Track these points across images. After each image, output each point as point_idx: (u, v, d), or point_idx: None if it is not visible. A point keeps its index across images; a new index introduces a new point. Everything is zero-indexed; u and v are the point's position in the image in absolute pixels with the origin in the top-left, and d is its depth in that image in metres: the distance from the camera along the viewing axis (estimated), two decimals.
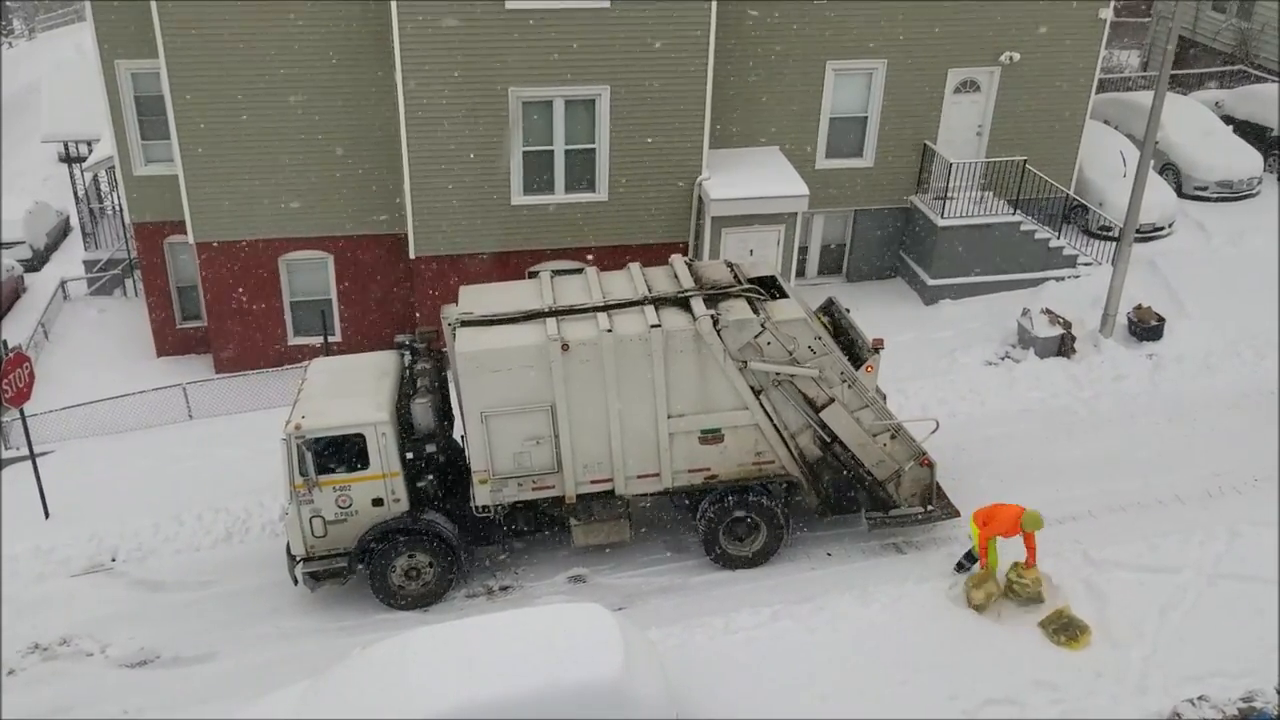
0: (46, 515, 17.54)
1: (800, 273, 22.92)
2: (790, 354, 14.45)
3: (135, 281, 25.37)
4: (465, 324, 14.51)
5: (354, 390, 14.89)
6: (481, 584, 15.60)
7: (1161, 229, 23.59)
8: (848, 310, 16.53)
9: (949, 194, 21.76)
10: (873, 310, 20.47)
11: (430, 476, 14.93)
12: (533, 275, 19.64)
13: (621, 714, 10.65)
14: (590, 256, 20.57)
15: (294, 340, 22.05)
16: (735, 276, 15.29)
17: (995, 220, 21.93)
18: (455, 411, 15.52)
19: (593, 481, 14.87)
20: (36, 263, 28.85)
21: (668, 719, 11.12)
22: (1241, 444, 17.23)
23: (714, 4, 19.20)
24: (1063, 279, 21.88)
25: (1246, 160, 25.44)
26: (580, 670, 10.74)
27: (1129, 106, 26.63)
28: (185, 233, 20.90)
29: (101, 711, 13.72)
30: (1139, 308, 20.06)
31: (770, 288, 15.46)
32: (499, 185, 20.14)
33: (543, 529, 15.62)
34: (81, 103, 24.99)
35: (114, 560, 16.64)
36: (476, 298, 15.31)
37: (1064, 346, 19.69)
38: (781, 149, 21.77)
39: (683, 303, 14.67)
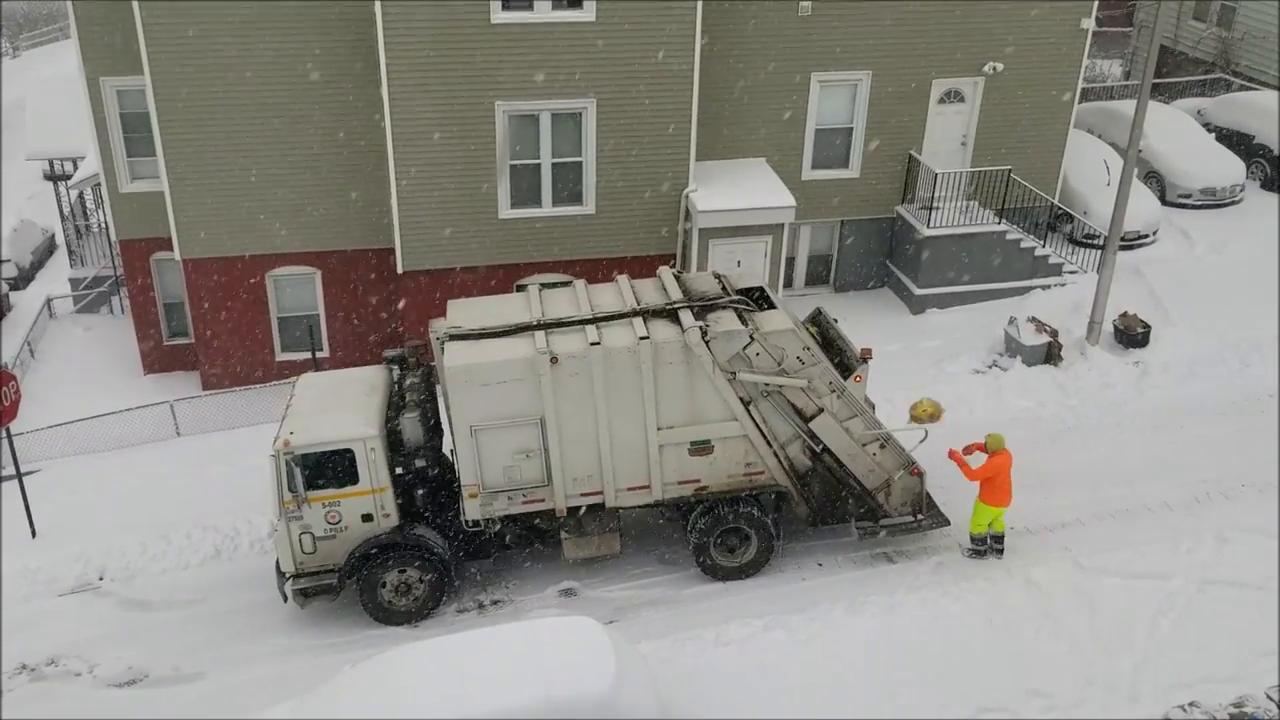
0: (33, 534, 17.44)
1: (788, 283, 22.96)
2: (779, 365, 14.45)
3: (121, 299, 25.28)
4: (453, 338, 14.48)
5: (342, 405, 14.84)
6: (472, 598, 15.55)
7: (1146, 237, 23.70)
8: (836, 320, 16.54)
9: (935, 204, 21.83)
10: (860, 320, 20.49)
11: (420, 491, 14.88)
12: (521, 289, 19.64)
13: None
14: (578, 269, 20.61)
15: (281, 356, 21.97)
16: (723, 288, 15.32)
17: (981, 229, 22.02)
18: (444, 426, 15.49)
19: (583, 494, 14.85)
20: (21, 281, 28.68)
21: None
22: (1228, 450, 17.29)
23: (699, 17, 19.26)
24: (1049, 287, 21.97)
25: (1229, 168, 25.58)
26: (572, 684, 10.72)
27: (1112, 115, 26.78)
28: (171, 249, 20.83)
29: None
30: (1125, 315, 20.15)
31: (758, 299, 15.50)
32: (486, 199, 20.13)
33: (533, 542, 15.60)
34: (66, 120, 24.92)
35: (101, 579, 16.54)
36: (464, 311, 15.28)
37: (1051, 355, 19.76)
38: (768, 160, 21.84)
39: (671, 314, 14.65)
